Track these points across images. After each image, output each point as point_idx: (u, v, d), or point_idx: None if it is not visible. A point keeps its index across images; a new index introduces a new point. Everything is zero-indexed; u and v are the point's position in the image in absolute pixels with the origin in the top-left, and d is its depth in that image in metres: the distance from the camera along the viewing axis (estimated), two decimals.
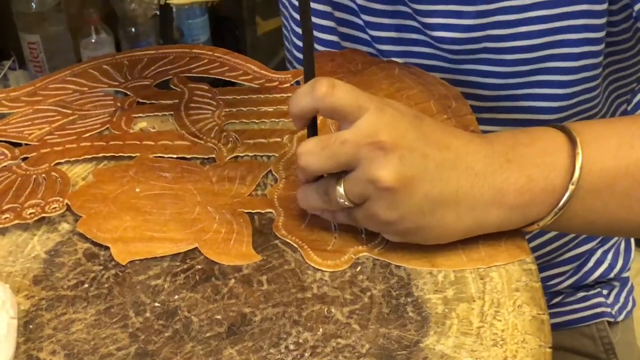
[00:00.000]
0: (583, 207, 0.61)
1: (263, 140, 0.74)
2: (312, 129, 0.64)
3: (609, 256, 0.95)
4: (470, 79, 0.83)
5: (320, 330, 0.57)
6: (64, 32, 1.97)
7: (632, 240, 0.98)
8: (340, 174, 0.61)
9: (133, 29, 2.08)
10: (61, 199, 0.67)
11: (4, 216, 0.66)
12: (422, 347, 0.56)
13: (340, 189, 0.60)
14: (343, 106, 0.59)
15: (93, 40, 1.99)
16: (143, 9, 2.09)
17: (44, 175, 0.70)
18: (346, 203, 0.61)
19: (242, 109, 0.77)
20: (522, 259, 0.61)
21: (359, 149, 0.59)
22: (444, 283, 0.60)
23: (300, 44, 0.94)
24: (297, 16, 0.92)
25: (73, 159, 0.72)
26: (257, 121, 0.76)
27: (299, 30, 0.92)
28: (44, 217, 0.66)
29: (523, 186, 0.61)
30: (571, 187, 0.60)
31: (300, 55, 0.94)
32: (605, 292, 0.94)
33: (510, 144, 0.63)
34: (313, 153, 0.60)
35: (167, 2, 0.91)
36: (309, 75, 0.63)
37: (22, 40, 1.93)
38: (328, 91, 0.59)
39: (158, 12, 2.13)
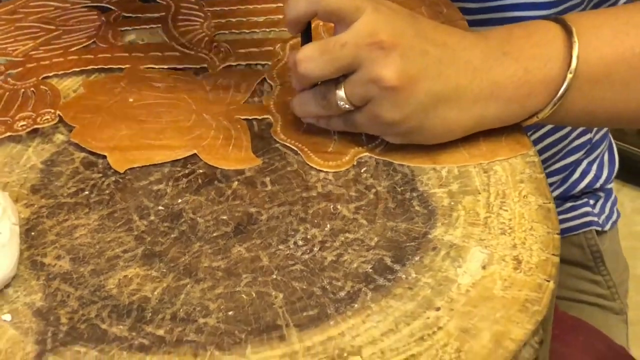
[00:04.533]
0: (581, 97, 0.61)
1: (255, 50, 0.73)
2: (307, 36, 0.63)
3: (594, 167, 0.96)
4: None
5: (328, 226, 0.57)
6: None
7: (615, 151, 0.99)
8: (338, 78, 0.60)
9: None
10: (53, 111, 0.66)
11: None
12: (431, 238, 0.56)
13: (341, 92, 0.60)
14: (340, 8, 0.58)
15: None
16: None
17: (32, 89, 0.69)
18: (347, 106, 0.60)
19: (232, 19, 0.76)
20: (524, 152, 0.61)
21: (359, 50, 0.58)
22: (448, 178, 0.60)
23: None
24: None
25: (61, 72, 0.71)
26: (247, 31, 0.75)
27: None
28: (37, 129, 0.65)
29: (521, 78, 0.60)
30: (569, 77, 0.60)
31: None
32: (592, 202, 0.95)
33: (505, 37, 0.62)
34: (312, 59, 0.59)
35: None
36: None
37: None
38: None
39: None
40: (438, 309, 0.51)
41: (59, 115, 0.66)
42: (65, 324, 0.51)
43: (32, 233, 0.58)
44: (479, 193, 0.59)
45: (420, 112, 0.59)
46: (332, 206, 0.59)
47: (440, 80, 0.59)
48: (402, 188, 0.60)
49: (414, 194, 0.59)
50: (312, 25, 0.63)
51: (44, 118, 0.65)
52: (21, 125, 0.65)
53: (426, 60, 0.59)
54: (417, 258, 0.54)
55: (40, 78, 0.70)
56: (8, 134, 0.64)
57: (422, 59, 0.59)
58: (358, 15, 0.58)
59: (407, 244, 0.55)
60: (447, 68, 0.60)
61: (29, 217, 0.59)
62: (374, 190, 0.60)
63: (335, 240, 0.56)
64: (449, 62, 0.60)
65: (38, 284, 0.54)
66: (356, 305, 0.52)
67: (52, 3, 0.80)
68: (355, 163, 0.62)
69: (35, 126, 0.65)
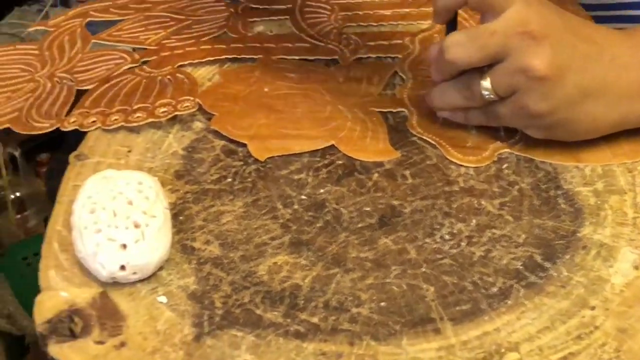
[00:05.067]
0: None
1: (384, 42, 0.73)
2: (452, 25, 0.63)
3: None
4: None
5: (474, 221, 0.57)
6: None
7: None
8: (482, 68, 0.60)
9: None
10: (192, 98, 0.67)
11: (136, 115, 0.66)
12: (580, 237, 0.55)
13: (486, 82, 0.60)
14: None
15: None
16: None
17: (168, 76, 0.70)
18: (492, 96, 0.60)
19: (359, 12, 0.77)
20: None
21: (508, 39, 0.58)
22: (592, 176, 0.60)
23: None
24: None
25: (196, 61, 0.72)
26: (375, 24, 0.76)
27: None
28: (175, 116, 0.66)
29: None
30: None
31: None
32: None
33: None
34: (461, 45, 0.59)
35: None
36: None
37: None
38: None
39: None
40: (593, 308, 0.51)
41: (197, 103, 0.67)
42: (220, 307, 0.52)
43: (180, 218, 0.59)
44: (625, 193, 0.58)
45: (567, 105, 0.59)
46: (476, 201, 0.59)
47: (587, 75, 0.59)
48: (546, 185, 0.60)
49: (559, 192, 0.59)
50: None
51: (184, 105, 0.66)
52: (162, 112, 0.66)
53: (575, 53, 0.59)
54: (567, 256, 0.54)
55: (175, 66, 0.71)
56: (150, 119, 0.66)
57: (571, 51, 0.59)
58: (508, 5, 0.58)
59: (556, 242, 0.55)
60: (594, 63, 0.59)
61: (176, 202, 0.60)
62: (517, 187, 0.60)
63: (482, 235, 0.56)
64: (597, 57, 0.59)
65: (190, 267, 0.55)
66: (509, 302, 0.52)
67: None
68: (495, 159, 0.62)
69: (176, 113, 0.66)
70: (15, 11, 1.94)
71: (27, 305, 1.32)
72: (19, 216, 1.68)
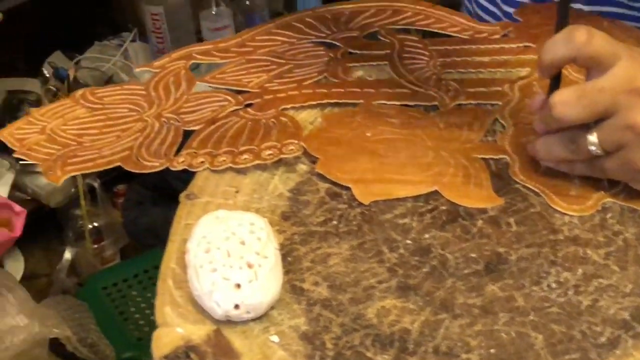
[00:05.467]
0: None
1: (483, 89, 0.74)
2: (557, 80, 0.63)
3: None
4: None
5: (580, 270, 0.58)
6: (184, 4, 1.99)
7: None
8: (587, 124, 0.61)
9: (247, 2, 2.10)
10: (297, 142, 0.69)
11: (243, 157, 0.68)
12: None
13: (592, 137, 0.60)
14: (600, 54, 0.59)
15: (213, 12, 2.00)
16: None
17: (273, 119, 0.72)
18: (598, 151, 0.61)
19: (457, 59, 0.78)
20: None
21: (617, 96, 0.59)
22: None
23: (484, 3, 0.94)
24: None
25: (298, 105, 0.74)
26: (473, 71, 0.77)
27: None
28: (280, 159, 0.68)
29: None
30: None
31: (484, 15, 0.94)
32: None
33: None
34: (569, 103, 0.60)
35: None
36: (562, 24, 0.62)
37: (146, 11, 1.96)
38: (588, 39, 0.59)
39: None
40: None
41: (302, 146, 0.69)
42: (331, 349, 0.53)
43: (289, 258, 0.60)
44: None
45: None
46: (581, 250, 0.59)
47: None
48: None
49: None
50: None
51: (289, 148, 0.68)
52: (268, 154, 0.68)
53: None
54: None
55: (279, 110, 0.73)
56: (256, 162, 0.67)
57: None
58: (615, 62, 0.59)
59: None
60: None
61: (284, 243, 0.62)
62: (622, 237, 0.60)
63: (589, 285, 0.57)
64: None
65: (300, 308, 0.56)
66: (618, 352, 0.52)
67: (278, 38, 0.83)
68: (599, 208, 0.62)
69: (281, 156, 0.68)
70: (95, 46, 2.00)
71: (108, 334, 1.35)
72: (95, 246, 1.72)
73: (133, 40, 2.02)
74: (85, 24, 2.02)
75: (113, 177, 1.77)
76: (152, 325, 1.52)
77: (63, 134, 0.73)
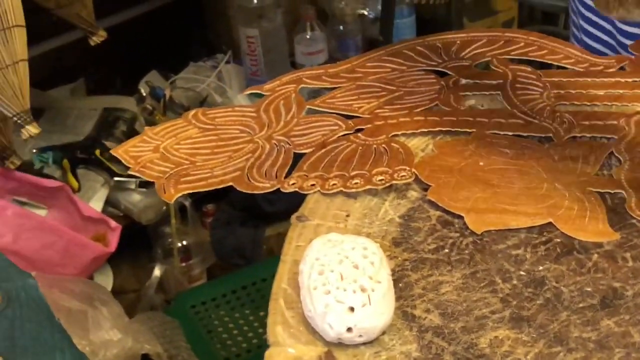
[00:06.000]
0: None
1: (599, 123, 0.74)
2: None
3: None
4: None
5: None
6: (280, 28, 2.01)
7: None
8: None
9: (341, 27, 2.11)
10: (408, 168, 0.69)
11: (354, 181, 0.68)
12: None
13: None
14: None
15: (307, 37, 2.02)
16: (351, 7, 2.12)
17: (384, 145, 0.72)
18: None
19: (571, 91, 0.78)
20: None
21: None
22: None
23: (592, 30, 0.93)
24: (584, 11, 0.92)
25: (409, 131, 0.74)
26: (588, 104, 0.76)
27: (591, 16, 0.92)
28: (391, 185, 0.68)
29: None
30: None
31: (595, 45, 0.93)
32: None
33: None
34: None
35: None
36: None
37: (241, 34, 1.98)
38: None
39: (365, 12, 2.16)
40: None
41: (413, 173, 0.69)
42: None
43: (400, 285, 0.60)
44: None
45: None
46: None
47: None
48: None
49: None
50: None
51: (400, 174, 0.68)
52: (379, 180, 0.68)
53: None
54: None
55: (389, 136, 0.73)
56: (367, 187, 0.68)
57: None
58: None
59: None
60: None
61: (395, 269, 0.62)
62: None
63: None
64: None
65: (412, 334, 0.56)
66: None
67: (388, 65, 0.84)
68: None
69: (393, 182, 0.68)
70: (190, 66, 2.04)
71: (197, 353, 1.37)
72: (183, 264, 1.74)
73: (227, 62, 2.04)
74: (181, 44, 2.06)
75: (203, 196, 1.79)
76: (239, 345, 1.53)
77: (176, 152, 0.74)
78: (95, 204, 1.63)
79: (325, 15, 2.12)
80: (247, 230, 1.69)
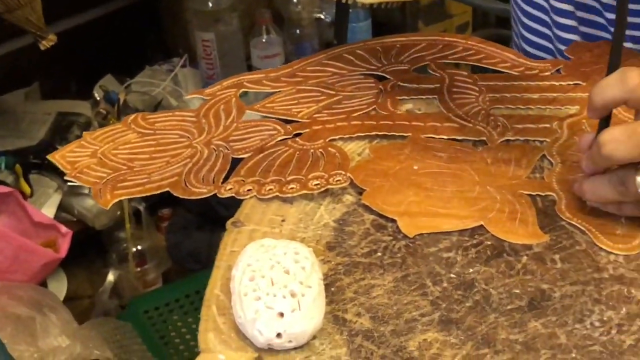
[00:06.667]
0: None
1: (532, 126, 0.75)
2: (606, 120, 0.63)
3: None
4: None
5: (624, 309, 0.57)
6: (236, 31, 2.01)
7: None
8: (636, 164, 0.61)
9: (297, 31, 2.11)
10: (344, 173, 0.70)
11: (290, 186, 0.69)
12: None
13: None
14: None
15: (264, 40, 2.02)
16: (307, 11, 2.13)
17: (321, 150, 0.73)
18: None
19: (506, 95, 0.78)
20: None
21: None
22: None
23: (530, 37, 0.94)
24: (535, 12, 0.93)
25: (346, 136, 0.74)
26: (522, 107, 0.77)
27: (530, 24, 0.93)
28: (327, 189, 0.69)
29: None
30: None
31: (534, 51, 0.94)
32: None
33: None
34: (619, 141, 0.60)
35: (358, 0, 0.93)
36: (615, 66, 0.62)
37: (197, 38, 1.98)
38: None
39: (321, 16, 2.16)
40: None
41: (349, 178, 0.69)
42: None
43: (332, 289, 0.61)
44: None
45: None
46: (625, 290, 0.59)
47: None
48: None
49: None
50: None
51: (336, 179, 0.69)
52: (315, 184, 0.69)
53: None
54: None
55: (327, 140, 0.74)
56: (303, 191, 0.68)
57: None
58: None
59: None
60: None
61: (327, 273, 0.62)
62: None
63: (633, 324, 0.56)
64: None
65: (342, 338, 0.57)
66: None
67: (328, 69, 0.84)
68: None
69: (328, 186, 0.68)
70: (146, 70, 2.03)
71: (150, 358, 1.36)
72: (138, 269, 1.74)
73: (183, 66, 2.04)
74: (137, 48, 2.05)
75: (158, 200, 1.78)
76: (192, 350, 1.53)
77: (114, 157, 0.74)
78: (48, 209, 1.62)
79: (282, 18, 2.12)
80: (203, 235, 1.68)
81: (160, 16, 2.15)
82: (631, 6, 0.83)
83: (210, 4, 1.95)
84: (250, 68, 1.99)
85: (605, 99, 0.61)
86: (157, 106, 1.89)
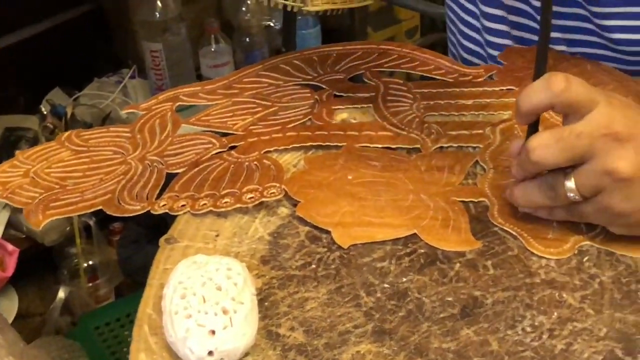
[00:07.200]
0: None
1: (465, 132, 0.75)
2: (535, 125, 0.64)
3: None
4: None
5: (555, 314, 0.58)
6: (184, 41, 2.00)
7: None
8: (565, 169, 0.61)
9: (247, 39, 2.11)
10: (278, 185, 0.69)
11: (224, 200, 0.68)
12: None
13: (570, 183, 0.61)
14: (578, 100, 0.60)
15: (213, 49, 2.01)
16: (257, 19, 2.13)
17: (255, 162, 0.72)
18: (576, 197, 0.61)
19: (440, 101, 0.79)
20: None
21: (594, 141, 0.59)
22: None
23: (466, 43, 0.94)
24: (468, 18, 0.93)
25: (281, 147, 0.74)
26: (456, 114, 0.78)
27: (469, 32, 0.93)
28: (262, 202, 0.68)
29: None
30: None
31: (469, 57, 0.95)
32: None
33: None
34: (547, 146, 0.60)
35: (303, 8, 0.93)
36: (541, 71, 0.63)
37: (145, 48, 1.97)
38: (566, 86, 0.59)
39: (271, 23, 2.16)
40: None
41: (283, 190, 0.69)
42: None
43: (266, 303, 0.60)
44: None
45: None
46: (557, 294, 0.59)
47: None
48: (627, 279, 0.60)
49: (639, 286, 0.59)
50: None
51: (270, 191, 0.69)
52: (249, 198, 0.68)
53: None
54: None
55: (262, 152, 0.74)
56: (237, 205, 0.68)
57: None
58: (592, 107, 0.59)
59: (637, 337, 0.56)
60: None
61: (262, 288, 0.62)
62: (598, 280, 0.60)
63: (564, 329, 0.57)
64: None
65: (275, 354, 0.56)
66: None
67: (265, 80, 0.84)
68: (576, 251, 0.63)
69: (263, 199, 0.68)
70: (94, 82, 2.01)
71: None
72: (90, 284, 1.72)
73: (132, 77, 2.03)
74: (85, 60, 2.03)
75: (109, 215, 1.76)
76: None
77: (46, 177, 0.73)
78: None
79: (232, 27, 2.12)
80: (154, 248, 1.66)
81: (108, 27, 2.13)
82: (564, 9, 0.84)
83: (158, 14, 1.94)
84: (200, 78, 1.98)
85: (532, 104, 0.61)
86: (105, 119, 1.88)
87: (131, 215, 0.69)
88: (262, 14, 2.13)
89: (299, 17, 2.14)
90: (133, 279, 1.69)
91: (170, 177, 0.73)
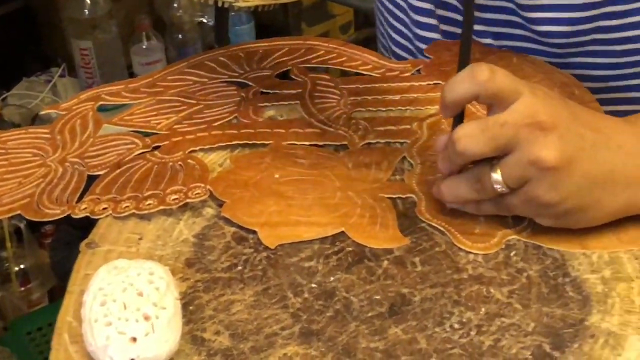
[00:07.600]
0: None
1: (392, 128, 0.74)
2: (460, 118, 0.63)
3: None
4: (576, 72, 0.83)
5: (483, 309, 0.57)
6: (115, 39, 1.97)
7: None
8: (491, 161, 0.61)
9: (180, 36, 2.09)
10: (203, 185, 0.68)
11: (147, 202, 0.67)
12: (588, 325, 0.56)
13: (496, 175, 0.60)
14: (502, 90, 0.59)
15: (144, 47, 1.99)
16: (189, 15, 2.10)
17: (180, 162, 0.71)
18: (503, 189, 0.61)
19: (367, 97, 0.78)
20: None
21: (518, 130, 0.59)
22: (599, 263, 0.60)
23: (396, 37, 0.94)
24: (396, 11, 0.93)
25: (207, 146, 0.73)
26: (383, 109, 0.77)
27: (398, 25, 0.93)
28: (187, 203, 0.67)
29: None
30: None
31: (399, 51, 0.94)
32: None
33: None
34: (472, 136, 0.60)
35: (235, 4, 0.91)
36: (465, 63, 0.62)
37: (74, 46, 1.93)
38: (490, 77, 0.59)
39: (204, 19, 2.14)
40: None
41: (208, 190, 0.67)
42: None
43: (190, 307, 0.59)
44: (632, 280, 0.59)
45: (577, 194, 0.60)
46: (485, 289, 0.59)
47: (595, 163, 0.60)
48: (554, 273, 0.60)
49: (567, 279, 0.59)
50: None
51: (195, 192, 0.67)
52: (173, 199, 0.67)
53: (582, 143, 0.60)
54: (575, 345, 0.54)
55: (186, 152, 0.72)
56: (161, 207, 0.66)
57: (579, 141, 0.59)
58: (516, 97, 0.59)
59: (565, 331, 0.56)
60: (601, 151, 0.60)
61: (186, 292, 0.60)
62: (525, 274, 0.60)
63: (492, 324, 0.56)
64: (603, 146, 0.60)
65: (200, 359, 0.55)
66: None
67: (189, 77, 0.82)
68: (503, 245, 0.62)
69: (187, 200, 0.67)
70: (23, 82, 1.97)
71: None
72: (22, 288, 1.69)
73: (62, 76, 1.99)
74: (13, 59, 1.99)
75: None
76: None
77: None
78: None
79: (164, 24, 2.09)
80: None
81: (37, 26, 2.08)
82: (490, 2, 0.84)
83: (87, 12, 1.91)
84: (132, 75, 1.95)
85: (456, 96, 0.61)
86: (35, 119, 1.84)
87: (51, 219, 0.66)
88: (194, 10, 2.11)
89: (232, 13, 2.12)
90: (67, 283, 1.66)
91: (91, 180, 0.71)
